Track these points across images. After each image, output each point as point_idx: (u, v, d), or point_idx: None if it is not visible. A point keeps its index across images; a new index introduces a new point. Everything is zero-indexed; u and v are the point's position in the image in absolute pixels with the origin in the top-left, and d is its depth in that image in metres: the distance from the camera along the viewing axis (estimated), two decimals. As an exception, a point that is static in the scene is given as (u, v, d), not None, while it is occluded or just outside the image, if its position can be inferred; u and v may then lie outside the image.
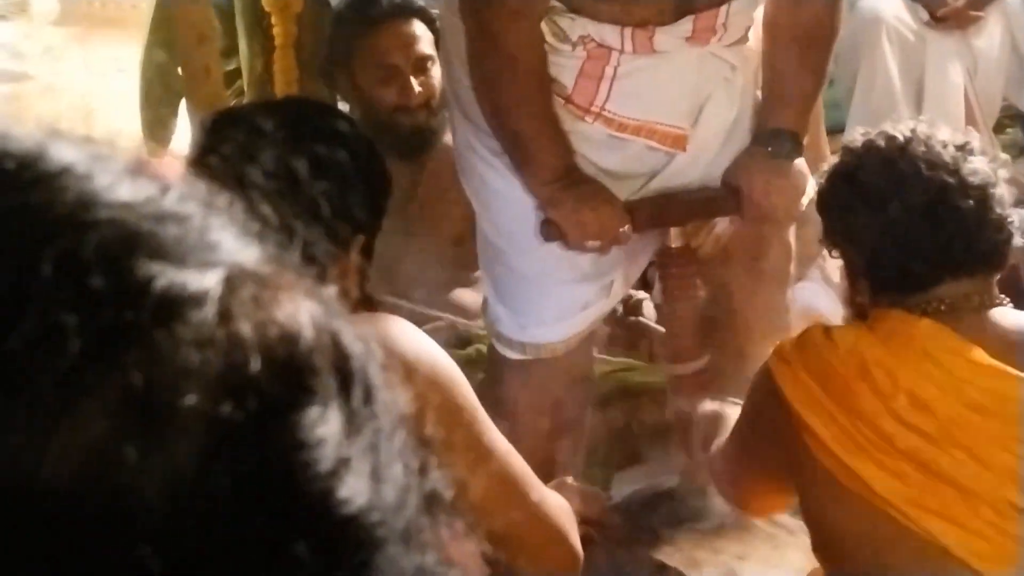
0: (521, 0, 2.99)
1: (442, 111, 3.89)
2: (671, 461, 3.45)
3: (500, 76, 3.04)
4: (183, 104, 4.48)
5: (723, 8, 3.01)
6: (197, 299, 0.57)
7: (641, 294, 3.79)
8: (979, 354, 2.29)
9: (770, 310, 3.34)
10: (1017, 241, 2.38)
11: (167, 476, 0.55)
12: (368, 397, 0.62)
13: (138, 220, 0.58)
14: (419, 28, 3.92)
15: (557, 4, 2.99)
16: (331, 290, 0.64)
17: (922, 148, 2.34)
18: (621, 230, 3.10)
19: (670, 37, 3.01)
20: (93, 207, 0.58)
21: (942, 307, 2.34)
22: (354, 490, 0.59)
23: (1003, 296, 2.39)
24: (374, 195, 2.26)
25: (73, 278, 0.56)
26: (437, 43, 3.82)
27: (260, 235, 0.63)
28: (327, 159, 2.07)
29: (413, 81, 3.90)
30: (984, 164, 2.35)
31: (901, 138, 2.37)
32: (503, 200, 3.19)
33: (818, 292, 4.04)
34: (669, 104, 3.12)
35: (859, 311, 2.46)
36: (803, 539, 2.93)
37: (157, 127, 4.69)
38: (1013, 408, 2.25)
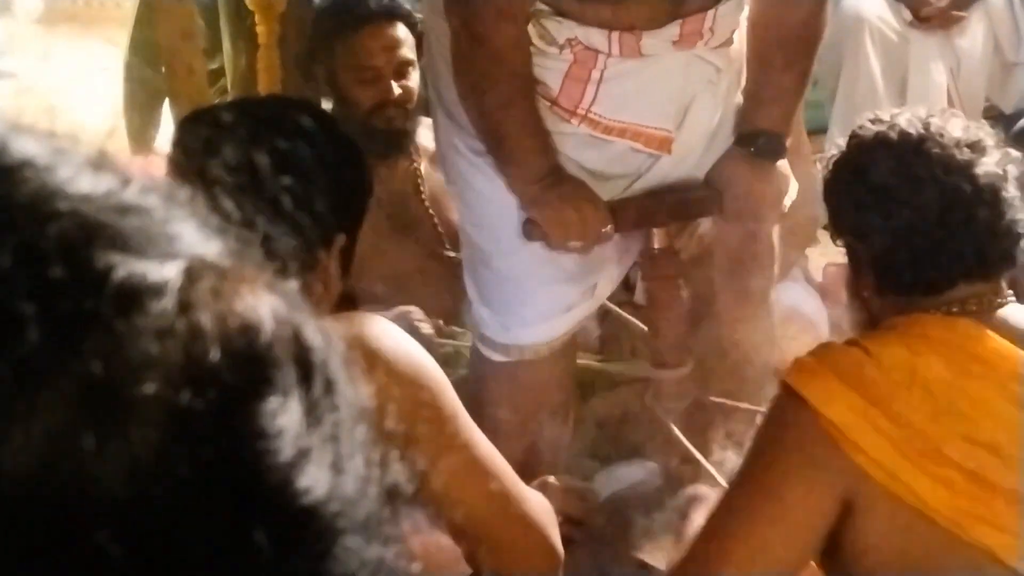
0: (507, 1, 2.99)
1: (417, 114, 3.91)
2: (654, 460, 3.45)
3: (485, 77, 3.04)
4: (167, 103, 4.48)
5: (710, 12, 3.01)
6: (157, 289, 0.57)
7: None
8: (1018, 351, 2.27)
9: (754, 311, 3.34)
10: None
11: (126, 465, 0.55)
12: (329, 389, 0.62)
13: (98, 212, 0.59)
14: (402, 32, 3.93)
15: (544, 7, 2.99)
16: (293, 284, 0.64)
17: (936, 149, 2.30)
18: (604, 230, 3.10)
19: (657, 41, 3.01)
20: (53, 199, 0.58)
21: (954, 308, 2.32)
22: (314, 480, 0.59)
23: (1010, 293, 2.38)
24: (355, 195, 2.26)
25: (32, 268, 0.56)
26: (419, 47, 3.83)
27: (221, 229, 0.63)
28: (307, 158, 2.07)
29: (393, 84, 3.91)
30: (995, 164, 2.33)
31: (915, 134, 2.32)
32: (486, 200, 3.19)
33: (801, 292, 4.05)
34: (655, 107, 3.11)
35: (863, 304, 2.44)
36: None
37: (141, 125, 4.69)
38: None
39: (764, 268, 3.40)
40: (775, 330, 3.49)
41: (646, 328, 3.53)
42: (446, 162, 3.32)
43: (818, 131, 4.61)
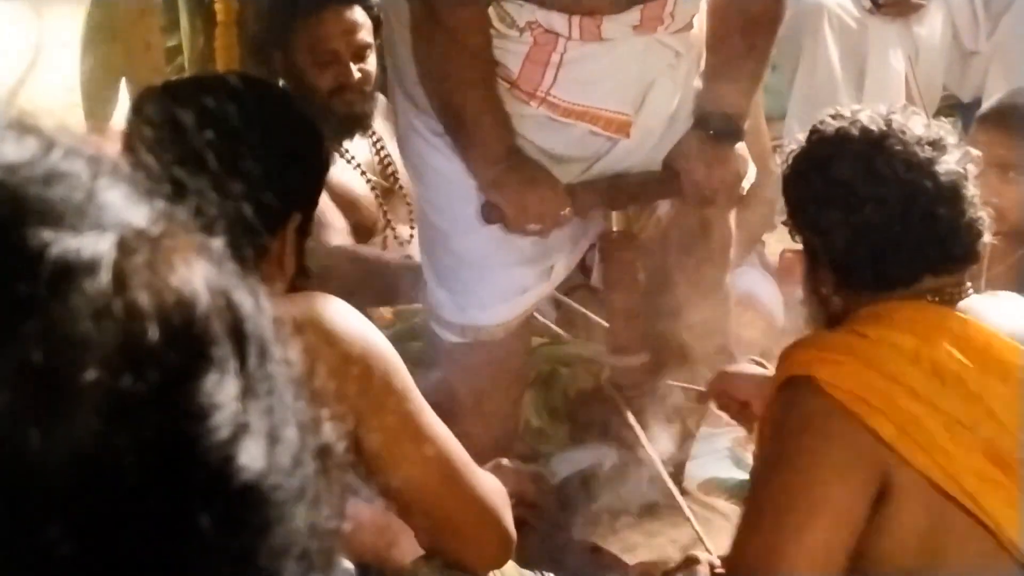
0: None
1: (374, 96, 3.90)
2: (607, 444, 3.45)
3: (445, 58, 3.03)
4: (124, 80, 4.45)
5: None
6: (91, 266, 0.56)
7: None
8: (998, 336, 2.28)
9: (710, 294, 3.35)
10: (985, 238, 2.38)
11: (69, 452, 0.54)
12: (262, 357, 0.61)
13: (25, 183, 0.57)
14: (360, 15, 3.91)
15: (505, -10, 2.98)
16: (219, 242, 0.62)
17: (898, 145, 2.31)
18: (562, 213, 3.10)
19: (618, 25, 3.01)
20: None
21: (927, 298, 2.33)
22: (252, 455, 0.59)
23: (969, 286, 2.39)
24: (312, 173, 2.25)
25: None
26: (376, 30, 3.82)
27: (149, 190, 0.61)
28: (263, 135, 2.05)
29: (352, 67, 3.89)
30: (956, 163, 2.33)
31: (876, 131, 2.33)
32: (444, 181, 3.18)
33: (757, 277, 4.06)
34: (614, 90, 3.11)
35: (821, 300, 2.44)
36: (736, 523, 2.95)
37: (98, 102, 4.65)
38: None
39: (720, 251, 3.41)
40: (730, 314, 3.50)
41: (601, 320, 3.53)
42: (405, 143, 3.31)
43: (777, 117, 4.61)
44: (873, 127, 2.33)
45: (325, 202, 3.44)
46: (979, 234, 2.34)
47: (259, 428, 0.60)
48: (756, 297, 3.96)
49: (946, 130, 2.39)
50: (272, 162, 2.00)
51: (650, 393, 3.26)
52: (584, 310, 3.72)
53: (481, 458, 2.35)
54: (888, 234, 2.30)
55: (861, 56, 4.85)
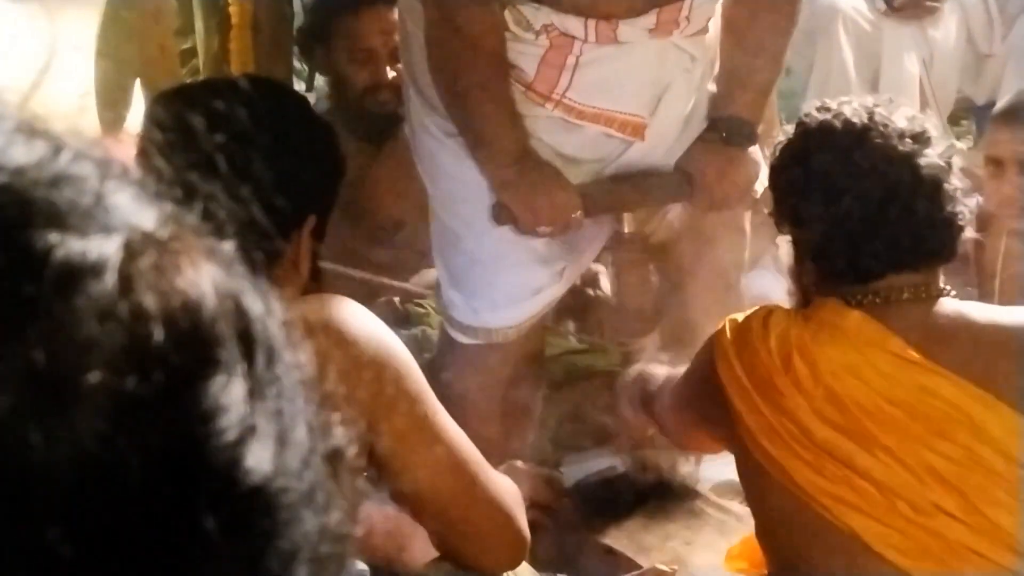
0: None
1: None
2: (621, 447, 3.45)
3: (458, 59, 3.03)
4: (139, 83, 4.45)
5: (687, 1, 3.01)
6: (96, 269, 0.56)
7: (598, 267, 3.79)
8: (906, 349, 2.29)
9: (723, 297, 3.34)
10: (968, 232, 2.38)
11: (73, 454, 0.54)
12: (270, 359, 0.61)
13: (33, 185, 0.57)
14: (397, 16, 3.92)
15: (521, -7, 2.99)
16: (230, 245, 0.62)
17: (879, 139, 2.32)
18: (574, 215, 3.10)
19: (634, 29, 3.01)
20: None
21: (878, 299, 2.33)
22: (260, 458, 0.58)
23: (947, 287, 2.39)
24: (327, 176, 2.25)
25: None
26: None
27: (157, 192, 0.61)
28: (279, 138, 2.05)
29: (387, 67, 3.92)
30: (938, 156, 2.34)
31: (859, 124, 2.34)
32: (458, 182, 3.18)
33: (771, 279, 4.05)
34: (629, 93, 3.11)
35: (803, 291, 2.45)
36: (751, 525, 2.94)
37: (112, 106, 4.65)
38: (938, 405, 2.24)
39: (734, 255, 3.40)
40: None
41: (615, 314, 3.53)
42: (418, 143, 3.31)
43: (791, 121, 4.60)
44: (856, 120, 2.34)
45: None
46: (959, 229, 2.34)
47: (267, 431, 0.59)
48: (770, 299, 3.94)
49: (931, 123, 2.40)
50: (287, 165, 2.00)
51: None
52: (603, 294, 3.72)
53: (495, 460, 2.35)
54: (865, 226, 2.31)
55: (875, 59, 4.85)
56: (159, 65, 4.02)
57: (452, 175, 3.19)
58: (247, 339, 0.60)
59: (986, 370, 2.25)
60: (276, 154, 1.98)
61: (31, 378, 0.54)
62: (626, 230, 3.27)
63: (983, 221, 3.50)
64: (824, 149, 2.35)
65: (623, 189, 3.20)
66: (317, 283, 2.20)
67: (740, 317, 2.47)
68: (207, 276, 0.59)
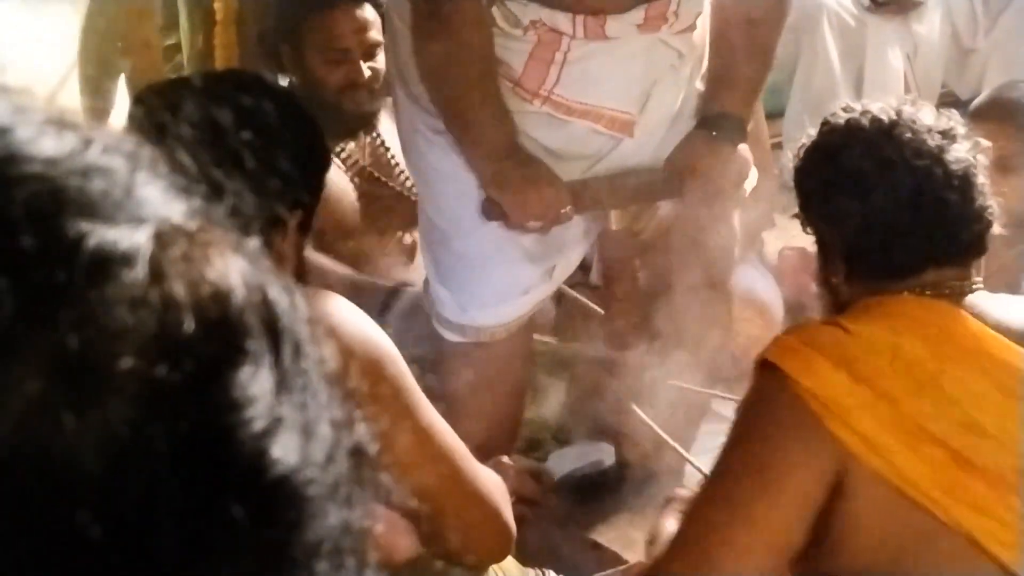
0: None
1: (383, 94, 3.89)
2: (607, 441, 3.46)
3: (446, 55, 3.03)
4: (123, 79, 4.45)
5: None
6: (128, 258, 0.56)
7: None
8: (993, 334, 2.27)
9: (712, 295, 3.35)
10: (995, 228, 2.38)
11: (103, 439, 0.55)
12: (297, 353, 0.62)
13: (65, 175, 0.57)
14: (371, 13, 3.90)
15: (509, -12, 2.99)
16: (256, 242, 0.63)
17: (908, 134, 2.31)
18: (563, 211, 3.10)
19: (622, 24, 3.01)
20: (17, 162, 0.57)
21: (927, 292, 2.33)
22: (286, 449, 0.59)
23: (979, 280, 2.39)
24: (312, 171, 2.25)
25: (2, 238, 0.55)
26: (384, 27, 3.81)
27: (186, 188, 0.62)
28: (263, 133, 2.05)
29: (362, 65, 3.88)
30: (965, 151, 2.34)
31: (887, 120, 2.34)
32: (446, 179, 3.18)
33: (756, 276, 4.06)
34: (617, 90, 3.11)
35: (832, 290, 2.44)
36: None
37: (96, 101, 4.65)
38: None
39: (723, 252, 3.40)
40: (732, 313, 3.50)
41: (602, 311, 3.53)
42: (406, 141, 3.31)
43: (776, 115, 4.62)
44: (884, 117, 2.34)
45: None
46: (988, 223, 2.34)
47: (293, 423, 0.60)
48: (756, 295, 3.96)
49: (956, 120, 2.40)
50: (272, 159, 1.99)
51: (652, 391, 3.26)
52: (586, 301, 3.72)
53: (482, 457, 2.35)
54: (898, 221, 2.30)
55: (860, 54, 4.86)
56: (143, 61, 4.01)
57: (441, 172, 3.19)
58: (275, 331, 0.61)
59: None
60: (261, 148, 1.98)
61: (63, 363, 0.54)
62: (615, 227, 3.27)
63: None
64: (854, 145, 2.34)
65: (612, 186, 3.20)
66: (303, 278, 2.20)
67: (784, 336, 2.33)
68: (236, 268, 0.60)
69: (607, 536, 3.19)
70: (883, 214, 2.30)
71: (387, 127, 3.95)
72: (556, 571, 2.69)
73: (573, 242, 3.26)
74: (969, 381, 2.22)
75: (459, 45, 2.99)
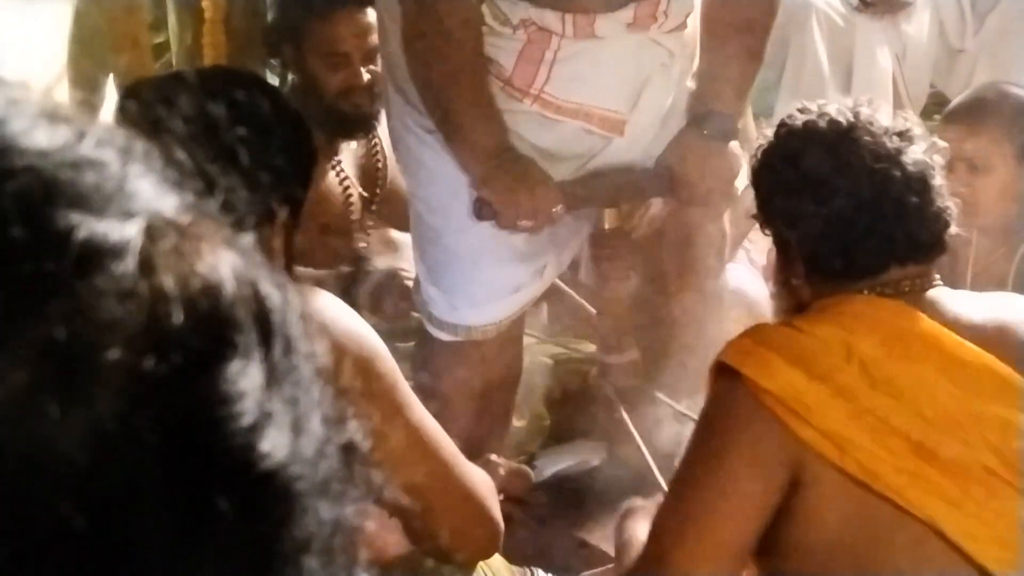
0: None
1: (382, 97, 3.90)
2: (594, 441, 3.46)
3: (436, 54, 3.02)
4: (111, 76, 4.44)
5: None
6: (118, 250, 0.56)
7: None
8: (947, 331, 2.28)
9: (702, 293, 3.35)
10: (953, 228, 2.39)
11: (89, 431, 0.55)
12: (288, 348, 0.62)
13: (57, 168, 0.57)
14: (372, 17, 3.89)
15: (499, -13, 2.98)
16: (249, 237, 0.63)
17: (866, 136, 2.32)
18: (554, 210, 3.09)
19: (611, 23, 3.01)
20: (9, 154, 0.57)
21: (887, 290, 2.34)
22: (275, 444, 0.59)
23: (937, 277, 2.39)
24: (299, 167, 2.24)
25: None
26: None
27: (179, 183, 0.62)
28: (251, 130, 2.04)
29: (361, 69, 3.88)
30: (923, 152, 2.35)
31: (844, 123, 2.34)
32: (437, 178, 3.18)
33: (745, 275, 4.06)
34: (607, 89, 3.11)
35: (791, 290, 2.45)
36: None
37: (86, 97, 4.64)
38: (991, 379, 2.23)
39: (714, 251, 3.41)
40: (723, 311, 3.50)
41: (593, 310, 3.53)
42: (397, 140, 3.31)
43: (765, 114, 4.62)
44: (841, 119, 2.35)
45: None
46: (946, 224, 2.36)
47: (283, 418, 0.60)
48: (744, 293, 3.96)
49: (913, 121, 2.41)
50: (262, 154, 1.99)
51: (640, 391, 3.27)
52: (578, 298, 3.72)
53: (471, 455, 2.35)
54: (858, 223, 2.31)
55: (849, 53, 4.86)
56: (132, 59, 4.00)
57: (432, 171, 3.19)
58: (265, 326, 0.61)
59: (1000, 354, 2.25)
60: (247, 144, 1.98)
61: (51, 354, 0.54)
62: (606, 226, 3.27)
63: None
64: (812, 148, 2.35)
65: (603, 184, 3.20)
66: (293, 273, 2.20)
67: (738, 338, 2.34)
68: (226, 262, 0.60)
69: (595, 535, 3.19)
70: (842, 217, 2.32)
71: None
72: (544, 570, 2.69)
73: (564, 241, 3.26)
74: (924, 377, 2.24)
75: (450, 44, 2.99)
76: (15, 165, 0.57)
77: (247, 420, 0.58)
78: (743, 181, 3.23)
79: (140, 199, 0.59)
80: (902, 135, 2.34)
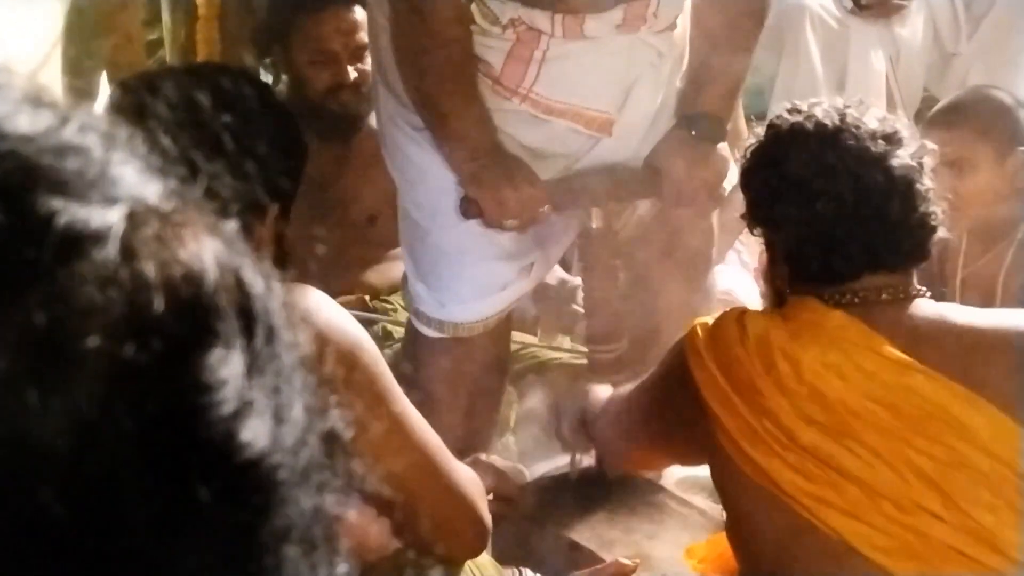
0: None
1: (370, 95, 3.89)
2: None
3: (425, 51, 3.02)
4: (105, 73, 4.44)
5: None
6: (99, 236, 0.56)
7: (575, 280, 3.79)
8: (888, 348, 2.29)
9: (690, 294, 3.35)
10: (940, 233, 2.39)
11: (69, 418, 0.54)
12: (270, 337, 0.62)
13: (38, 153, 0.57)
14: (359, 15, 3.90)
15: (487, -14, 2.98)
16: (233, 225, 0.63)
17: (851, 140, 2.32)
18: (541, 210, 3.09)
19: (601, 24, 3.01)
20: None
21: (856, 299, 2.34)
22: (256, 433, 0.59)
23: (922, 288, 2.39)
24: (290, 163, 2.24)
25: None
26: None
27: (163, 170, 0.61)
28: (242, 125, 2.04)
29: (349, 67, 3.88)
30: (910, 157, 2.34)
31: (831, 125, 2.34)
32: (425, 175, 3.18)
33: (736, 276, 4.06)
34: (596, 89, 3.11)
35: (777, 292, 2.46)
36: (714, 520, 2.95)
37: (78, 95, 4.63)
38: (921, 404, 2.25)
39: (702, 252, 3.41)
40: (711, 312, 3.50)
41: (581, 309, 3.53)
42: (386, 137, 3.31)
43: (759, 117, 4.62)
44: (827, 122, 2.35)
45: None
46: (932, 229, 2.35)
47: (264, 407, 0.60)
48: (735, 295, 3.96)
49: (902, 124, 2.41)
50: (251, 152, 1.99)
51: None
52: (580, 291, 3.73)
53: (460, 454, 2.35)
54: (839, 228, 2.32)
55: (842, 56, 4.86)
56: (126, 55, 4.00)
57: (420, 169, 3.19)
58: (247, 315, 0.61)
59: (967, 370, 2.25)
60: (237, 140, 1.97)
61: (30, 341, 0.54)
62: (594, 226, 3.27)
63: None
64: (797, 151, 2.36)
65: (592, 184, 3.20)
66: (283, 266, 2.19)
67: (710, 320, 2.45)
68: (209, 250, 0.60)
69: (584, 535, 3.18)
70: (824, 221, 2.32)
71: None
72: (533, 570, 2.69)
73: (552, 239, 3.26)
74: (852, 395, 2.27)
75: (438, 43, 2.99)
76: None
77: (228, 408, 0.58)
78: (731, 182, 3.23)
79: (123, 185, 0.59)
80: (889, 138, 2.34)
